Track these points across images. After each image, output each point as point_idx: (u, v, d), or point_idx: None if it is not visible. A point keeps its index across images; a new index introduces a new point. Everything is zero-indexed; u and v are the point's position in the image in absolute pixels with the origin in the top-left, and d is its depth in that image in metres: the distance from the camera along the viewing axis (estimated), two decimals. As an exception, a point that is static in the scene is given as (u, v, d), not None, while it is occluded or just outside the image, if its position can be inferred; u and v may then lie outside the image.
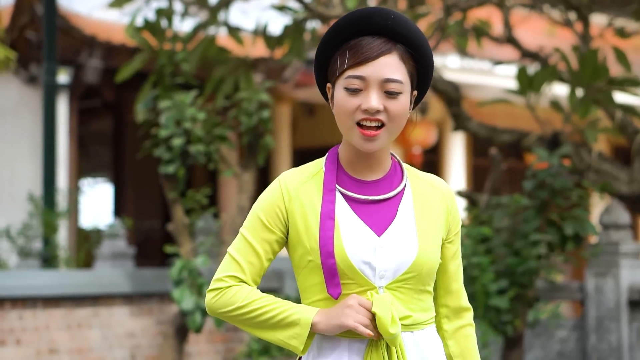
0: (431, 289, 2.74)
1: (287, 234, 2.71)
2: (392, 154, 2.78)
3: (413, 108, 2.75)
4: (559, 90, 11.36)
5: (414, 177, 2.77)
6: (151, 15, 8.73)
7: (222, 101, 8.69)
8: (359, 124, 2.63)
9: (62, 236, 12.02)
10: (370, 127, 2.63)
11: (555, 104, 8.77)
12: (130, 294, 8.69)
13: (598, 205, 12.56)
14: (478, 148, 16.14)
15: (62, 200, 11.15)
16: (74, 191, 12.32)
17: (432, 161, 16.88)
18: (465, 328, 2.84)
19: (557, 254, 7.43)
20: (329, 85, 2.74)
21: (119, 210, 15.68)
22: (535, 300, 7.50)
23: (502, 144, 8.89)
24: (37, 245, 10.56)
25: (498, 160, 7.85)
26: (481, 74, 14.93)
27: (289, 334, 2.64)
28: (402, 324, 2.64)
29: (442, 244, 2.77)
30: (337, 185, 2.71)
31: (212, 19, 9.03)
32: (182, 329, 7.87)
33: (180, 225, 7.82)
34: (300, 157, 15.58)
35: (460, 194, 8.15)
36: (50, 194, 10.46)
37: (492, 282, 7.13)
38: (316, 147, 16.10)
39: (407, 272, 2.66)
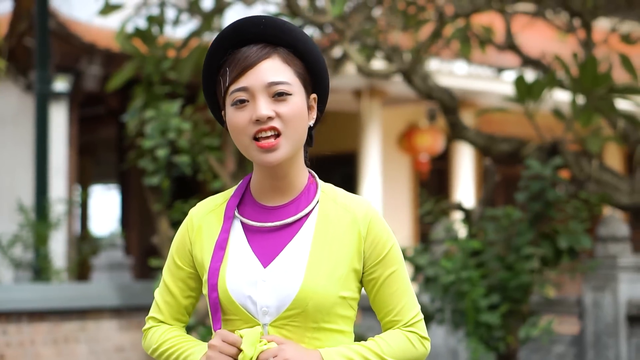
0: (338, 326, 2.49)
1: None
2: (311, 174, 2.59)
3: (319, 116, 2.57)
4: (562, 96, 11.15)
5: (327, 200, 2.54)
6: (143, 23, 8.57)
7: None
8: (255, 139, 2.44)
9: (58, 246, 11.87)
10: (266, 138, 2.43)
11: (557, 112, 8.57)
12: (119, 307, 8.53)
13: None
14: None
15: (57, 210, 11.00)
16: (72, 200, 12.16)
17: (440, 169, 16.69)
18: (402, 329, 2.55)
19: (551, 268, 7.21)
20: (223, 112, 2.55)
21: (125, 217, 15.57)
22: (529, 316, 7.28)
23: (500, 153, 8.68)
24: (30, 256, 10.43)
25: (492, 172, 7.64)
26: (488, 81, 14.72)
27: None
28: None
29: (362, 276, 2.52)
30: (237, 213, 2.53)
31: (206, 25, 8.86)
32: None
33: (165, 238, 7.65)
34: (310, 164, 15.40)
35: (452, 206, 7.94)
36: (42, 204, 10.30)
37: (483, 298, 6.91)
38: (321, 154, 15.96)
39: (290, 308, 2.44)
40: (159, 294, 2.63)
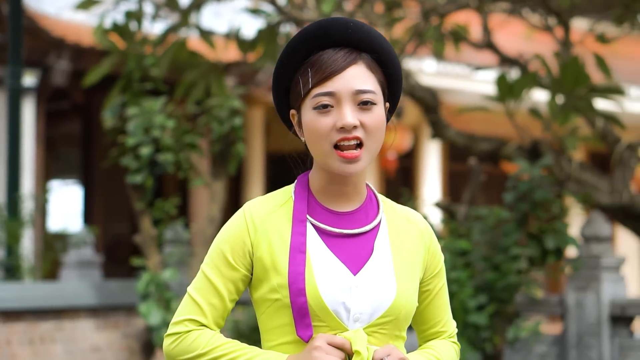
0: (405, 333, 2.50)
1: (252, 271, 2.45)
2: (366, 183, 2.54)
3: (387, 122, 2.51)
4: (539, 96, 11.17)
5: (390, 210, 2.53)
6: (120, 18, 8.44)
7: (192, 107, 8.42)
8: (336, 147, 2.38)
9: (28, 244, 11.70)
10: (349, 148, 2.38)
11: (534, 111, 8.56)
12: (96, 306, 8.41)
13: (576, 217, 12.34)
14: (454, 153, 15.94)
15: (27, 207, 10.84)
16: (41, 196, 11.98)
17: (406, 167, 16.67)
18: (447, 339, 2.62)
19: (538, 269, 7.19)
20: (292, 111, 2.49)
21: (88, 213, 15.38)
22: (515, 316, 7.26)
23: (480, 152, 8.67)
24: (1, 254, 10.26)
25: (477, 171, 7.61)
26: (458, 79, 14.72)
27: None
28: None
29: (419, 286, 2.53)
30: (308, 216, 2.45)
31: (183, 21, 8.76)
32: (148, 345, 7.59)
33: (147, 236, 7.54)
34: (274, 162, 15.33)
35: (438, 205, 7.90)
36: (14, 201, 10.13)
37: (471, 298, 6.89)
38: (290, 151, 15.87)
39: (384, 315, 2.41)
40: (201, 295, 2.43)
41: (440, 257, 2.57)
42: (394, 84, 2.49)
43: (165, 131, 7.49)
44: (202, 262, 7.59)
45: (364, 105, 2.39)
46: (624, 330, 7.64)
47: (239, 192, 14.30)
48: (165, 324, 7.15)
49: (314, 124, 2.39)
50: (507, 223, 7.13)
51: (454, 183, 16.48)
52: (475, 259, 7.12)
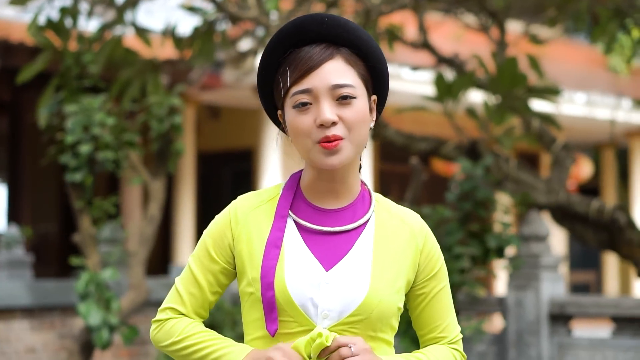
0: (388, 336, 2.46)
1: (235, 264, 2.48)
2: (363, 182, 2.52)
3: (377, 116, 2.49)
4: (474, 96, 11.23)
5: (382, 210, 2.50)
6: (55, 14, 8.30)
7: (129, 105, 8.30)
8: (319, 143, 2.37)
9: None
10: (330, 141, 2.36)
11: (470, 111, 8.62)
12: (30, 306, 8.26)
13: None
14: (385, 153, 15.99)
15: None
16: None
17: (338, 166, 16.65)
18: (447, 345, 2.55)
19: (479, 267, 7.24)
20: (279, 112, 2.48)
21: (13, 213, 15.12)
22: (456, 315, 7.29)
23: (418, 152, 8.69)
24: None
25: (418, 170, 7.64)
26: (391, 79, 14.75)
27: None
28: None
29: (411, 289, 2.49)
30: (290, 212, 2.45)
31: (119, 18, 8.65)
32: (87, 345, 7.46)
33: (87, 236, 7.42)
34: (205, 160, 15.24)
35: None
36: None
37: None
38: (221, 150, 15.79)
39: (354, 314, 2.38)
40: (182, 284, 2.50)
41: (438, 259, 2.53)
42: (378, 75, 2.47)
43: (105, 129, 7.38)
44: (141, 262, 7.44)
45: (343, 100, 2.37)
46: (563, 328, 7.73)
47: (170, 190, 14.17)
48: (106, 324, 7.04)
49: (295, 123, 2.39)
50: (449, 222, 7.16)
51: (384, 183, 16.53)
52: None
